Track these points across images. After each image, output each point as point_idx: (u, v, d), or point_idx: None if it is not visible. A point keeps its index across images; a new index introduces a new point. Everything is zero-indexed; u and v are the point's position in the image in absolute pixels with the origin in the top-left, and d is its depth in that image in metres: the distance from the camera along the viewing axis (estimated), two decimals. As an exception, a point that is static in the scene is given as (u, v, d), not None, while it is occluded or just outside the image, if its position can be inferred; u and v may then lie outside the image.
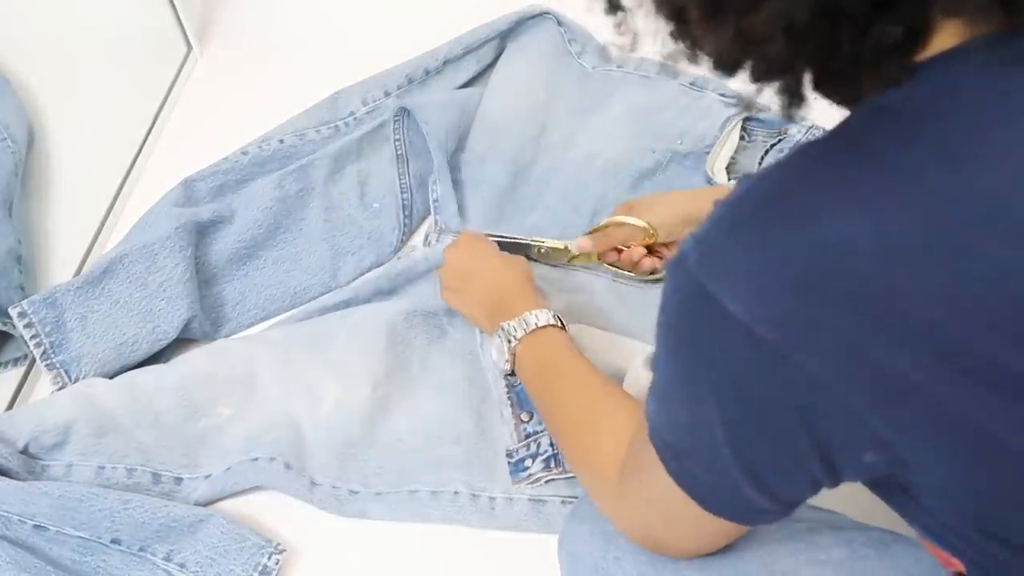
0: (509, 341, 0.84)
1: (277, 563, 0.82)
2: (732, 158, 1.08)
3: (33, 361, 0.96)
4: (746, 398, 0.48)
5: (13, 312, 0.92)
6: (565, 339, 0.84)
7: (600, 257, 0.99)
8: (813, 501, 0.56)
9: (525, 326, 0.84)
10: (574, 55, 1.22)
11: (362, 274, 1.06)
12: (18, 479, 0.84)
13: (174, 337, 0.97)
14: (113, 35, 1.18)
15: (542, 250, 0.99)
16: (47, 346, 0.94)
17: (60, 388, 0.94)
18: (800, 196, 0.46)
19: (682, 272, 0.48)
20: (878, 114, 0.46)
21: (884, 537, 0.64)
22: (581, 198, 1.06)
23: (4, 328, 0.93)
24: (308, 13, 1.34)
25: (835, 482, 0.50)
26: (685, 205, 0.93)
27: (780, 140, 1.08)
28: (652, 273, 0.97)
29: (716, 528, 0.56)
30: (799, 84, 0.47)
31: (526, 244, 0.99)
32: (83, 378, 0.94)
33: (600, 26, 1.23)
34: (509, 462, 0.88)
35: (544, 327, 0.84)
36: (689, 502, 0.54)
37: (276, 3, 1.36)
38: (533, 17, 1.21)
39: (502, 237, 0.99)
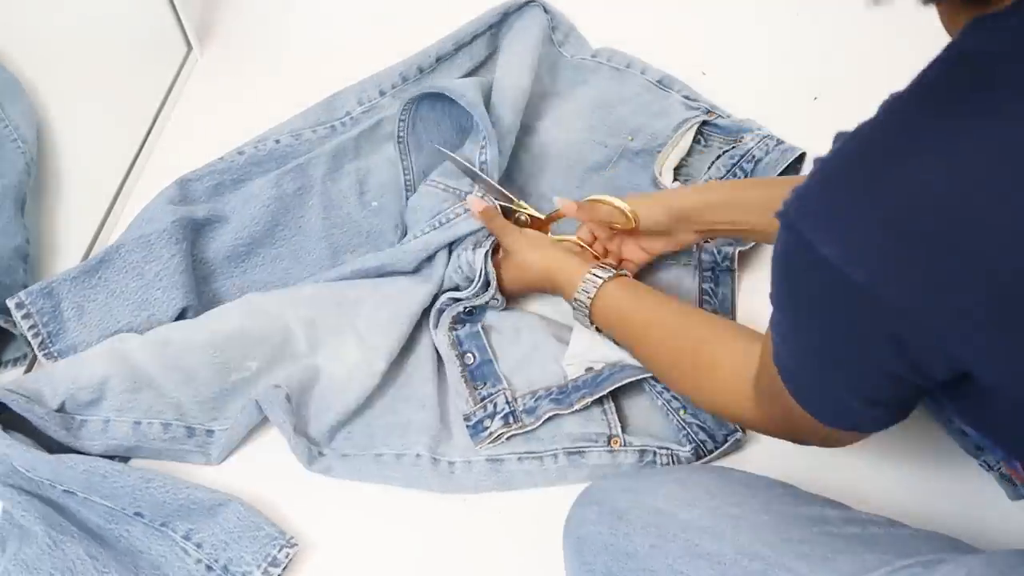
0: (583, 306, 0.88)
1: (287, 556, 0.83)
2: (683, 160, 1.09)
3: (33, 360, 0.97)
4: (842, 330, 0.55)
5: (11, 303, 0.93)
6: (629, 283, 0.89)
7: (579, 237, 0.98)
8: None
9: (589, 288, 0.87)
10: (555, 43, 1.22)
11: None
12: (57, 437, 0.87)
13: None
14: (113, 35, 1.19)
15: (522, 217, 0.99)
16: (44, 336, 0.94)
17: None
18: (884, 145, 0.50)
19: (784, 222, 0.53)
20: (955, 62, 0.50)
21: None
22: (533, 185, 1.07)
23: (5, 326, 0.94)
24: (308, 13, 1.34)
25: (930, 382, 0.56)
26: (668, 197, 0.94)
27: (733, 147, 1.08)
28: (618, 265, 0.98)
29: (840, 434, 0.64)
30: None
31: (511, 207, 1.00)
32: None
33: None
34: (468, 425, 0.91)
35: (606, 281, 0.87)
36: (810, 415, 0.62)
37: (276, 3, 1.36)
38: (520, 7, 1.20)
39: (502, 192, 1.00)
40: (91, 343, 0.95)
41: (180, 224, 0.99)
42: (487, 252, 0.96)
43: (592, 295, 0.87)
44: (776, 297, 0.59)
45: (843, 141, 0.53)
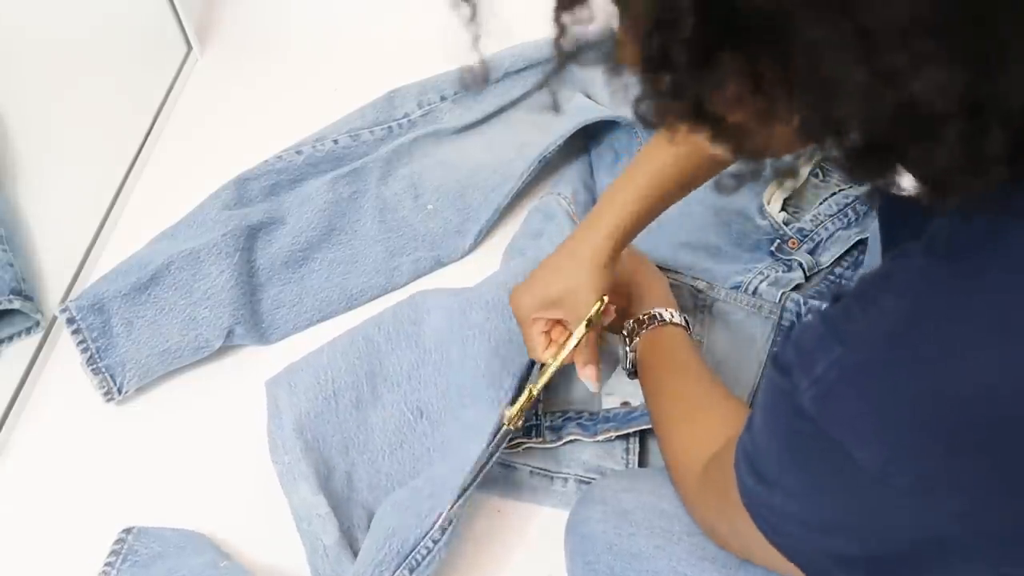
0: (629, 339, 0.82)
1: None
2: (794, 191, 1.07)
3: (42, 342, 0.97)
4: (872, 531, 0.47)
5: (61, 316, 0.93)
6: (681, 336, 0.81)
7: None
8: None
9: (647, 323, 0.81)
10: None
11: (419, 276, 1.06)
12: None
13: (218, 346, 0.97)
14: (113, 35, 1.17)
15: (517, 422, 0.82)
16: (93, 351, 0.93)
17: (105, 393, 0.94)
18: (922, 334, 0.42)
19: (794, 407, 0.46)
20: (975, 229, 0.41)
21: None
22: None
23: (8, 306, 0.93)
24: (308, 13, 1.34)
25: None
26: (587, 266, 0.79)
27: (851, 187, 1.06)
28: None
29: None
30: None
31: (504, 433, 0.83)
32: (127, 384, 0.94)
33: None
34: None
35: (664, 325, 0.81)
36: (772, 547, 0.53)
37: (276, 3, 1.36)
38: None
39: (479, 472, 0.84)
40: (139, 360, 0.94)
41: (232, 235, 0.98)
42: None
43: (646, 330, 0.81)
44: (777, 464, 0.50)
45: (861, 318, 0.44)
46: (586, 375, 0.82)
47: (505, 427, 0.81)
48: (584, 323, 0.78)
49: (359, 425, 0.89)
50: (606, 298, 0.79)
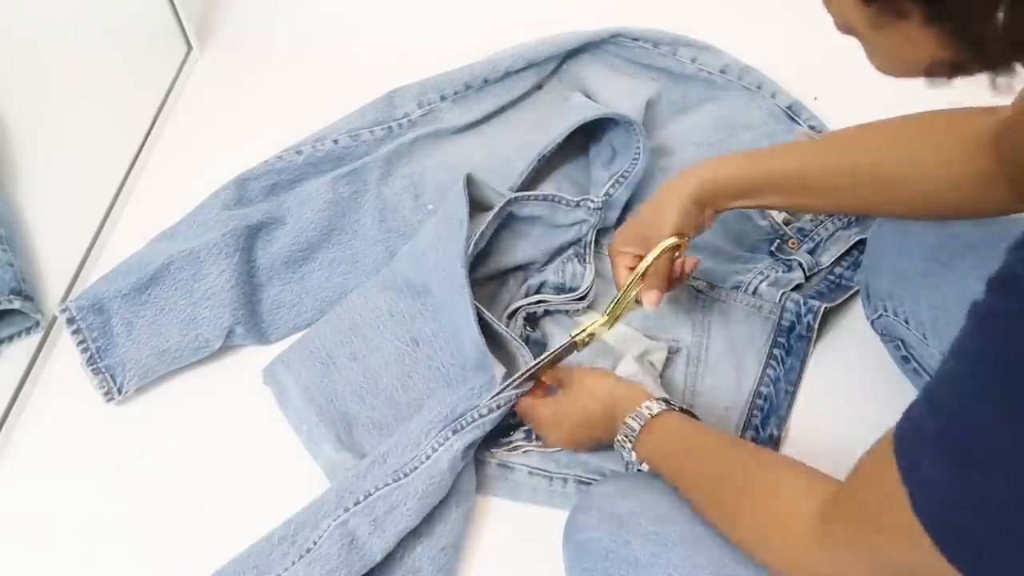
0: (629, 443, 0.77)
1: None
2: None
3: (42, 342, 0.97)
4: None
5: (61, 316, 0.93)
6: (681, 419, 0.77)
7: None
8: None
9: (637, 423, 0.77)
10: (668, 55, 1.18)
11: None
12: None
13: (218, 346, 0.97)
14: (113, 35, 1.17)
15: (587, 340, 0.89)
16: (93, 351, 0.94)
17: (105, 393, 0.94)
18: None
19: None
20: None
21: None
22: (638, 196, 1.06)
23: (8, 306, 0.93)
24: (308, 12, 1.34)
25: None
26: (673, 199, 0.83)
27: None
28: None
29: None
30: None
31: (570, 345, 0.89)
32: (127, 384, 0.94)
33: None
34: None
35: (656, 416, 0.77)
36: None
37: (276, 3, 1.36)
38: (603, 40, 1.18)
39: (542, 360, 0.88)
40: (140, 360, 0.94)
41: (232, 235, 0.98)
42: (595, 273, 1.00)
43: (642, 423, 0.77)
44: (989, 410, 0.43)
45: None
46: (648, 299, 0.85)
47: (572, 340, 0.87)
48: (654, 252, 0.82)
49: (364, 373, 0.94)
50: (685, 240, 0.83)
